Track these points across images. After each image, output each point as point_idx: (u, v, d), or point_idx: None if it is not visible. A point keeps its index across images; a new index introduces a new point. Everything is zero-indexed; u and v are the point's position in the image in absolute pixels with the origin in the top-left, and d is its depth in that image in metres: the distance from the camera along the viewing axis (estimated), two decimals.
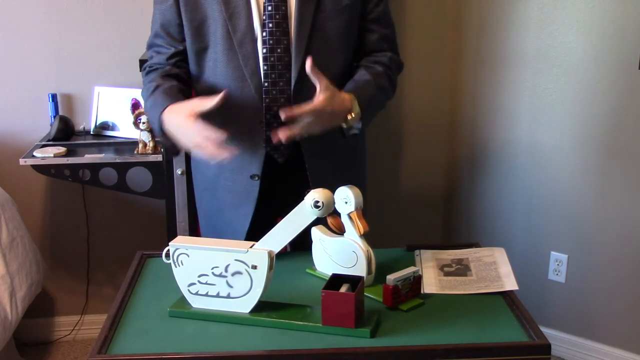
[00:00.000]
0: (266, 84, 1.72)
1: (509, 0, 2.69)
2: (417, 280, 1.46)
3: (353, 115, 1.65)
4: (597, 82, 2.54)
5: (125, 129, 2.68)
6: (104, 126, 2.74)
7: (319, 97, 1.55)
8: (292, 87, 1.71)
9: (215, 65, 1.74)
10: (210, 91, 1.76)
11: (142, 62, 2.30)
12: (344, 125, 1.67)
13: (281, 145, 1.73)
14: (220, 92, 1.72)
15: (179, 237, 1.46)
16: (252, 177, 1.77)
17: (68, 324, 3.02)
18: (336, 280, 1.37)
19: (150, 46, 1.84)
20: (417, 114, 2.98)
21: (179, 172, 2.37)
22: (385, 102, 1.84)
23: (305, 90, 1.71)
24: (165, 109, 1.64)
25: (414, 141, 3.02)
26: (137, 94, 2.67)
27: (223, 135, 1.51)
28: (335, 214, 1.50)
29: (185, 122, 1.57)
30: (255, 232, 1.67)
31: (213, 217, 1.91)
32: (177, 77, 1.78)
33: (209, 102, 1.57)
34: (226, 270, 1.40)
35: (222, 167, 1.77)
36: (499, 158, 2.85)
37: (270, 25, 1.69)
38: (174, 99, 1.66)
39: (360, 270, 1.49)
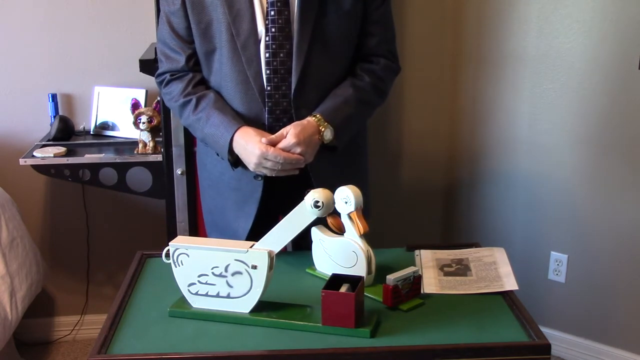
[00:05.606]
0: (269, 88, 1.72)
1: (509, 0, 2.69)
2: (417, 280, 1.46)
3: (323, 131, 1.69)
4: (597, 82, 2.54)
5: (125, 129, 2.68)
6: (104, 126, 2.74)
7: (287, 137, 1.65)
8: (292, 91, 1.71)
9: (221, 68, 1.75)
10: (217, 92, 1.78)
11: (142, 62, 2.30)
12: (325, 141, 1.71)
13: None
14: (226, 93, 1.74)
15: (179, 237, 1.46)
16: (255, 177, 1.77)
17: (68, 324, 3.01)
18: (336, 280, 1.37)
19: (160, 51, 1.83)
20: (417, 114, 2.97)
21: (179, 172, 2.37)
22: (369, 113, 1.87)
23: (304, 95, 1.72)
24: (238, 129, 1.69)
25: (414, 141, 3.01)
26: (137, 94, 2.67)
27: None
28: (335, 214, 1.50)
29: (260, 148, 1.64)
30: (257, 231, 1.67)
31: (216, 214, 1.92)
32: (204, 82, 1.80)
33: (281, 139, 1.66)
34: (226, 270, 1.40)
35: (227, 166, 1.77)
36: (499, 158, 2.85)
37: (273, 29, 1.69)
38: (238, 120, 1.72)
39: (360, 270, 1.49)
